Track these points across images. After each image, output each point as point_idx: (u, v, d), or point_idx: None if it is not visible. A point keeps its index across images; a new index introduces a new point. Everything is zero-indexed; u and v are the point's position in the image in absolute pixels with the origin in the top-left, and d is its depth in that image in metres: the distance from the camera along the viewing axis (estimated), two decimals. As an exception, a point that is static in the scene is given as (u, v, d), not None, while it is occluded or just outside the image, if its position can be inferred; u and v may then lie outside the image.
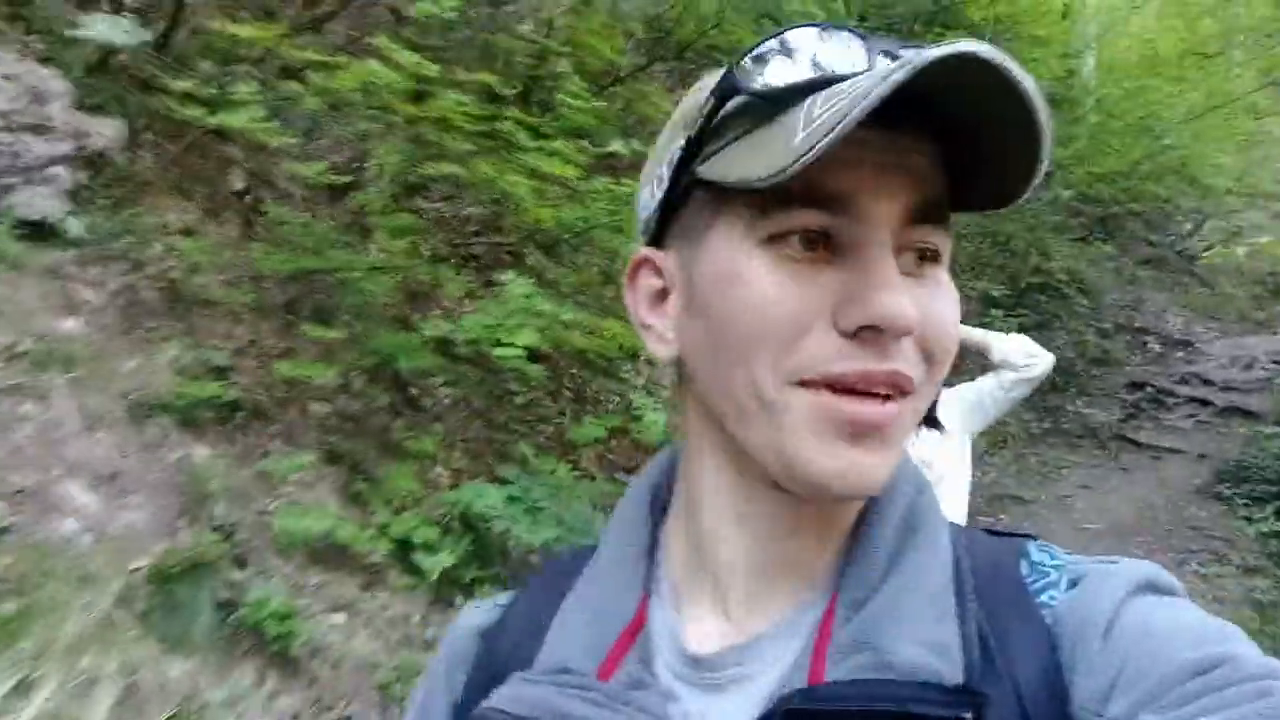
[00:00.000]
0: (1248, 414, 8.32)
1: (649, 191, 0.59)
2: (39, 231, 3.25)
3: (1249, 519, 6.36)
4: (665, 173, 0.57)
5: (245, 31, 2.49)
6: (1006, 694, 0.49)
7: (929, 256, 0.52)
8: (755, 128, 0.51)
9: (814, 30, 0.52)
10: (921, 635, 0.50)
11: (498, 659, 0.60)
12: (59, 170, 3.35)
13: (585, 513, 3.59)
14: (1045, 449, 8.52)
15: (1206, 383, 9.06)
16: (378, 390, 3.70)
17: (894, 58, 0.49)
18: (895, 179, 0.50)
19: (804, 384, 0.50)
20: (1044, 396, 8.47)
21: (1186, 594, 0.53)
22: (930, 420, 0.56)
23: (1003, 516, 6.66)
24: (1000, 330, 2.85)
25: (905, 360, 0.50)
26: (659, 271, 0.58)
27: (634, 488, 0.64)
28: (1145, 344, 9.93)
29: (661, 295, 0.58)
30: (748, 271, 0.51)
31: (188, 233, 3.62)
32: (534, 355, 3.46)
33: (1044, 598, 0.53)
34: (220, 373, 3.33)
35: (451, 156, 3.20)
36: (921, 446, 2.22)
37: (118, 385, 2.99)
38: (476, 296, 3.59)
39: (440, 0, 2.73)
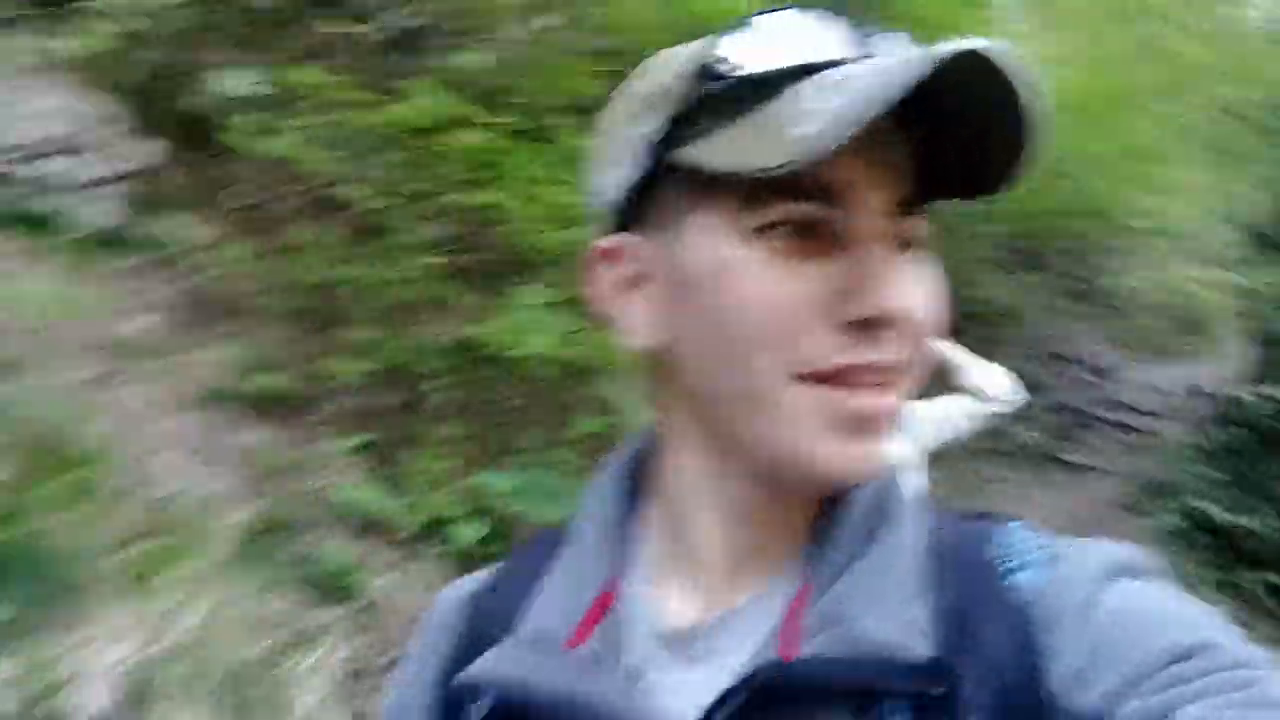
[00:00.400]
0: (1162, 437, 9.17)
1: (609, 175, 0.58)
2: (104, 240, 3.66)
3: (1160, 527, 7.10)
4: (629, 156, 0.56)
5: (309, 77, 2.94)
6: (979, 672, 0.49)
7: (914, 245, 0.53)
8: (739, 114, 0.51)
9: (792, 14, 0.51)
10: (891, 613, 0.50)
11: (483, 626, 0.61)
12: (117, 186, 3.77)
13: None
14: (983, 464, 9.25)
15: (1125, 407, 9.91)
16: (400, 387, 4.15)
17: (867, 40, 0.51)
18: (886, 170, 0.51)
19: (803, 378, 0.50)
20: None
21: (1166, 573, 0.53)
22: None
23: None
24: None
25: (899, 349, 0.51)
26: (627, 259, 0.57)
27: (610, 465, 0.64)
28: (1068, 371, 10.77)
29: (631, 283, 0.57)
30: (739, 265, 0.51)
31: (224, 243, 4.05)
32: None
33: (1019, 578, 0.53)
34: (264, 369, 3.76)
35: (477, 185, 3.71)
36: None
37: (184, 376, 3.40)
38: (489, 307, 4.07)
39: (477, 50, 3.25)
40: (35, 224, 3.12)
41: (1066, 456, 9.01)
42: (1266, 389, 6.09)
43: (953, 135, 0.51)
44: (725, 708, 0.50)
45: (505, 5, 4.73)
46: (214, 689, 2.21)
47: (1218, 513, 5.68)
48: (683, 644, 0.55)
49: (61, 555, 2.27)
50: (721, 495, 0.57)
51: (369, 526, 3.48)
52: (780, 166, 0.46)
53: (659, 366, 0.57)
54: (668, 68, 0.55)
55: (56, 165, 3.41)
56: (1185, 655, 0.45)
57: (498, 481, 3.82)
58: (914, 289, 0.52)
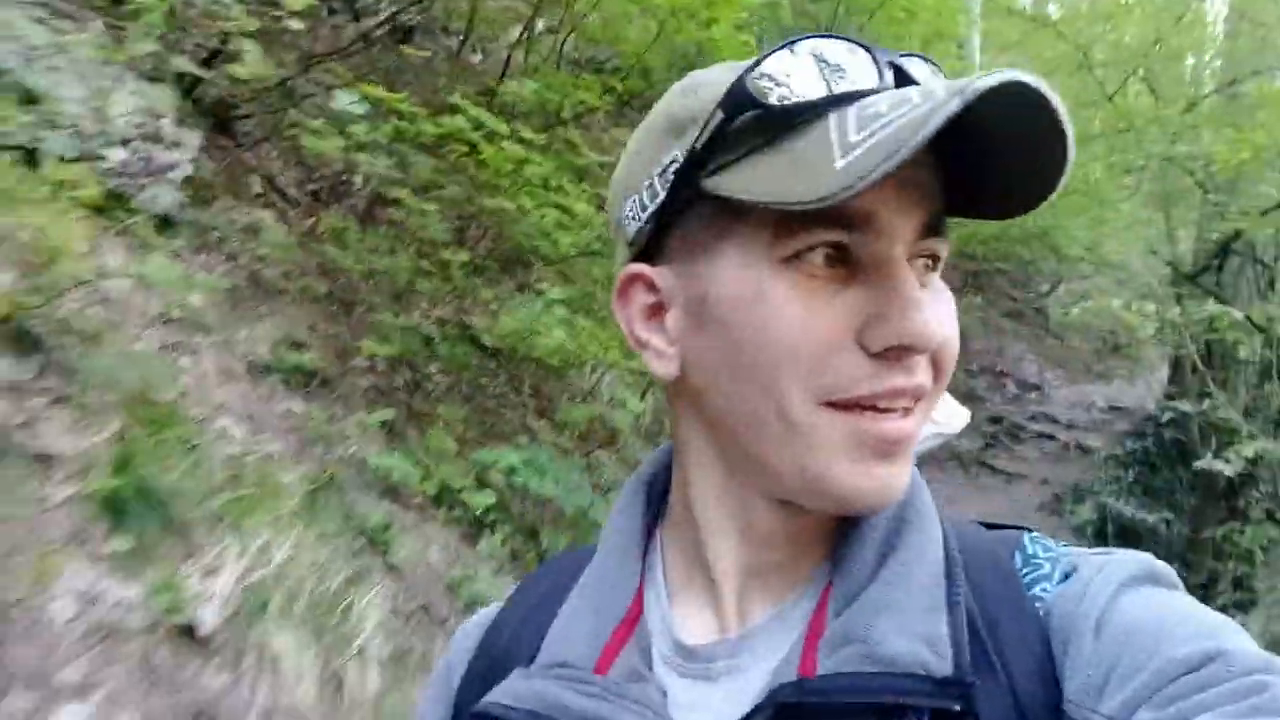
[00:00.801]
0: (1084, 448, 9.97)
1: (634, 201, 0.58)
2: (164, 224, 4.05)
3: (1078, 530, 7.86)
4: (658, 183, 0.56)
5: (372, 91, 3.38)
6: (999, 686, 0.50)
7: (932, 265, 0.55)
8: (773, 143, 0.51)
9: (821, 41, 0.51)
10: (911, 627, 0.51)
11: (497, 656, 0.62)
12: (174, 174, 4.15)
13: (575, 477, 4.59)
14: (918, 470, 10.00)
15: (1053, 421, 10.71)
16: (413, 370, 4.60)
17: (897, 69, 0.52)
18: (913, 194, 0.52)
19: (832, 405, 0.51)
20: (920, 425, 9.97)
21: (1179, 584, 0.54)
22: None
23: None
24: None
25: (923, 372, 0.53)
26: (653, 287, 0.58)
27: (629, 488, 0.65)
28: (1004, 386, 11.54)
29: (656, 310, 0.58)
30: (771, 292, 0.52)
31: (264, 230, 4.46)
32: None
33: (1037, 590, 0.54)
34: (298, 346, 4.18)
35: (502, 192, 4.19)
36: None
37: (236, 349, 3.82)
38: (503, 300, 4.55)
39: (526, 83, 3.72)
40: (108, 207, 3.51)
41: (997, 464, 9.77)
42: (1174, 406, 6.85)
43: (980, 160, 0.51)
44: None
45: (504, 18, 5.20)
46: (299, 613, 2.68)
47: (1127, 511, 6.41)
48: (704, 662, 0.56)
49: (166, 498, 2.71)
50: (740, 518, 0.57)
51: (388, 491, 3.94)
52: (824, 199, 0.47)
53: (681, 391, 0.58)
54: (697, 93, 0.55)
55: (123, 153, 3.78)
56: (1199, 664, 0.45)
57: (498, 457, 4.30)
58: (941, 313, 0.53)
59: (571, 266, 4.84)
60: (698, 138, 0.54)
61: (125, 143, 3.73)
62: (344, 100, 3.17)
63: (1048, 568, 0.55)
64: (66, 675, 2.24)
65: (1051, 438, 10.39)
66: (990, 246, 11.10)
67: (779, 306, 0.51)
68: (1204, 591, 5.14)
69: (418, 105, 3.64)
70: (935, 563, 0.54)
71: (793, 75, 0.51)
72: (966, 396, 11.34)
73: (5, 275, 2.82)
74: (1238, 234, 6.43)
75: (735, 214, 0.52)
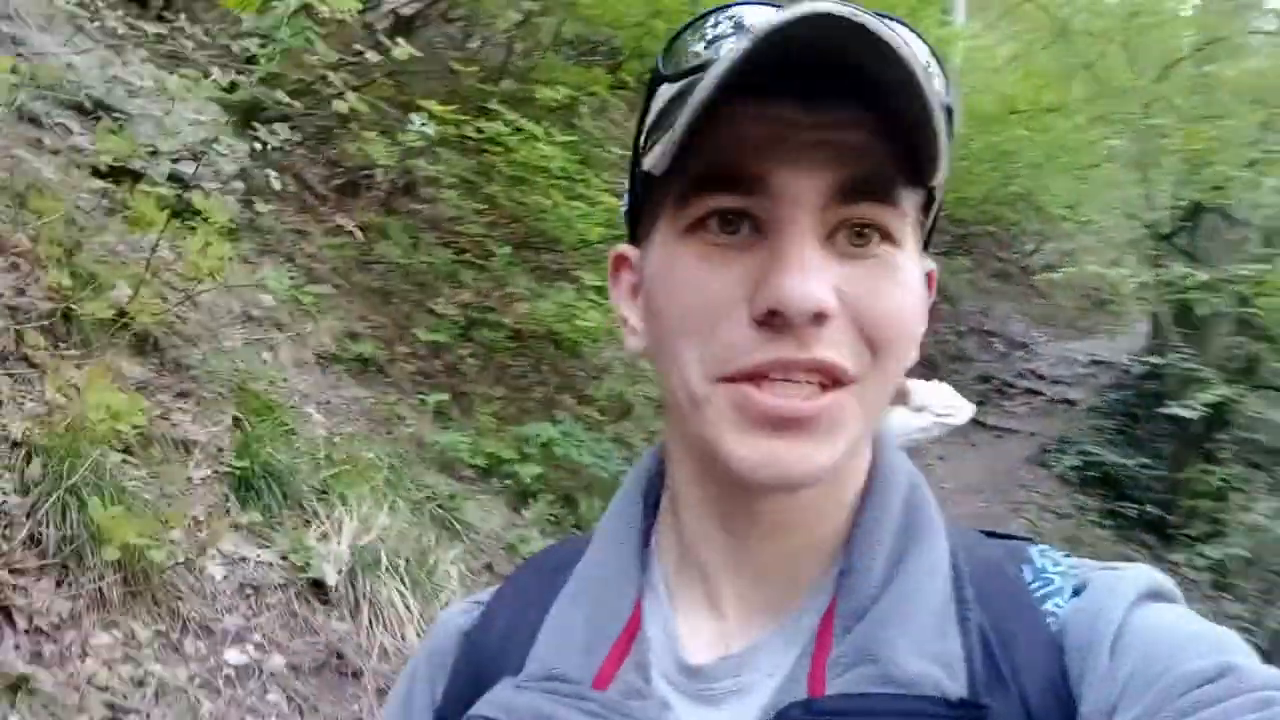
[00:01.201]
0: (1070, 402, 10.53)
1: (627, 185, 0.60)
2: (228, 229, 4.47)
3: (1063, 478, 8.42)
4: (631, 167, 0.58)
5: (435, 108, 3.82)
6: (1012, 704, 0.49)
7: (872, 235, 0.51)
8: (675, 113, 0.50)
9: (738, 7, 0.50)
10: (924, 646, 0.50)
11: (483, 662, 0.60)
12: (238, 182, 4.57)
13: (605, 447, 5.07)
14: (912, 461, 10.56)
15: (1039, 377, 11.26)
16: (456, 355, 5.06)
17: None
18: (819, 155, 0.49)
19: (725, 379, 0.50)
20: (914, 384, 10.55)
21: (1183, 599, 0.54)
22: None
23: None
24: None
25: (832, 346, 0.49)
26: (633, 267, 0.59)
27: (626, 484, 0.64)
28: (993, 345, 12.07)
29: (636, 290, 0.59)
30: (675, 262, 0.52)
31: (318, 234, 4.89)
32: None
33: (1049, 605, 0.53)
34: (354, 337, 4.64)
35: (532, 186, 4.63)
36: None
37: (307, 343, 4.27)
38: (539, 290, 5.01)
39: (558, 89, 4.14)
40: (183, 215, 3.93)
41: (987, 420, 10.31)
42: (1148, 360, 7.40)
43: (885, 116, 0.48)
44: None
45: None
46: (400, 570, 3.16)
47: (1108, 457, 6.98)
48: (706, 681, 0.54)
49: (282, 475, 3.18)
50: (713, 503, 0.56)
51: (445, 466, 4.42)
52: (661, 162, 0.50)
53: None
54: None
55: (191, 166, 4.20)
56: (1208, 679, 0.45)
57: (539, 431, 4.77)
58: (854, 280, 0.49)
59: (601, 253, 5.29)
60: (642, 115, 0.56)
61: (196, 157, 4.13)
62: (417, 122, 3.57)
63: (1058, 582, 0.54)
64: (227, 623, 2.72)
65: (1039, 393, 10.93)
66: (977, 210, 11.56)
67: (679, 275, 0.51)
68: (1180, 529, 5.69)
69: (435, 98, 4.04)
70: (944, 578, 0.53)
71: (696, 42, 0.52)
72: (956, 357, 11.88)
73: (123, 289, 3.25)
74: (1207, 199, 6.92)
75: (661, 189, 0.53)
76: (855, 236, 0.50)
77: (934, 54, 0.53)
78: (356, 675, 2.87)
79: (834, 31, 0.44)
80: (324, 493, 3.26)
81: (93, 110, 3.60)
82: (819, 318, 0.48)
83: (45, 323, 2.87)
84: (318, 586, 2.98)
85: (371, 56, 3.30)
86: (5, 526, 2.36)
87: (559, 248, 4.92)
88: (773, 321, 0.48)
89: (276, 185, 3.44)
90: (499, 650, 0.59)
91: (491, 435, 4.82)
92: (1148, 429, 7.10)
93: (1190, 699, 0.45)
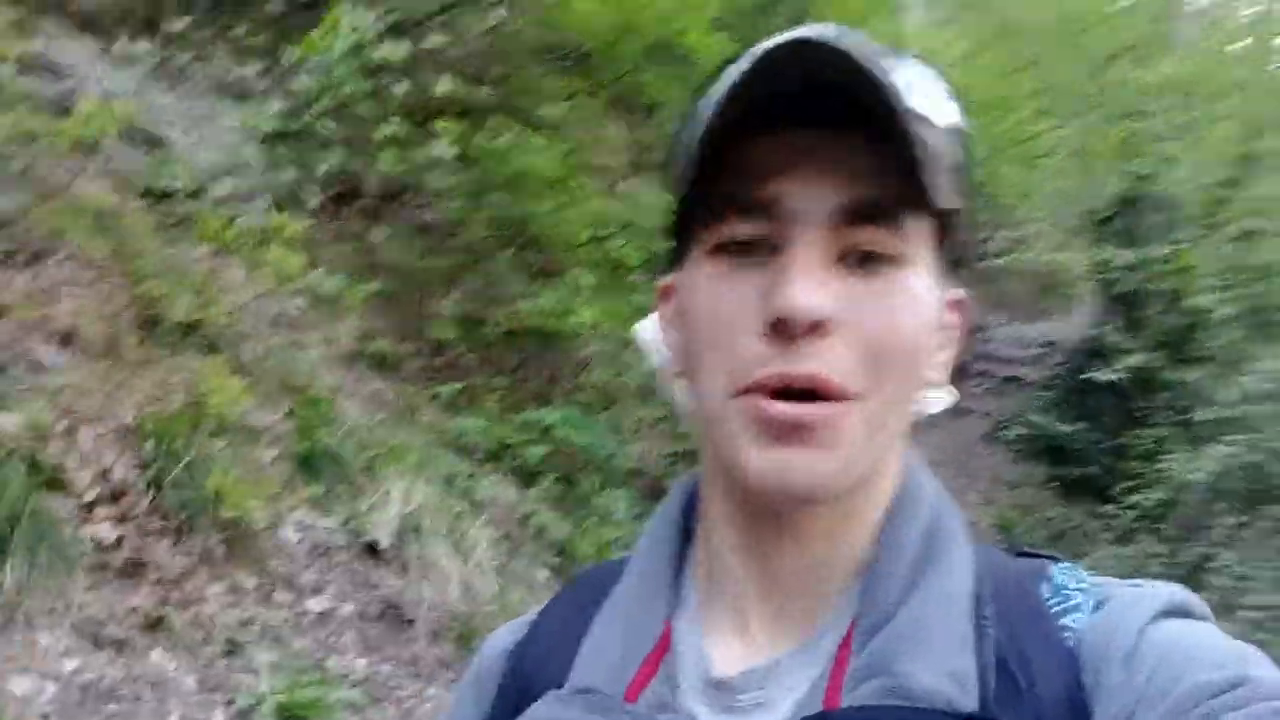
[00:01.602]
0: (1022, 381, 11.30)
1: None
2: (260, 239, 4.98)
3: (1015, 451, 9.14)
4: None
5: (447, 126, 4.35)
6: (1027, 718, 0.50)
7: (879, 258, 0.53)
8: (691, 147, 0.54)
9: (770, 41, 0.51)
10: (938, 661, 0.51)
11: (529, 675, 0.63)
12: (264, 198, 5.08)
13: (599, 429, 5.65)
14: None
15: (994, 359, 12.03)
16: (461, 349, 5.61)
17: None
18: (826, 179, 0.52)
19: (741, 393, 0.53)
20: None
21: (1210, 615, 0.54)
22: None
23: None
24: None
25: (830, 362, 0.51)
26: (674, 295, 0.62)
27: (664, 506, 0.66)
28: (951, 328, 12.83)
29: (675, 318, 0.61)
30: (696, 284, 0.55)
31: (336, 241, 5.41)
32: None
33: (1067, 620, 0.54)
34: (372, 337, 5.17)
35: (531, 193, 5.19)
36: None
37: (334, 342, 4.80)
38: (536, 289, 5.57)
39: (558, 105, 4.71)
40: (219, 227, 4.44)
41: (945, 401, 11.02)
42: (1092, 335, 8.16)
43: (882, 141, 0.50)
44: None
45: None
46: (440, 536, 3.72)
47: (1050, 426, 7.72)
48: (730, 693, 0.56)
49: (335, 456, 3.73)
50: (740, 521, 0.58)
51: (459, 449, 4.97)
52: (678, 190, 0.55)
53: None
54: None
55: (225, 184, 4.70)
56: (1226, 689, 0.46)
57: (542, 416, 5.34)
58: (857, 298, 0.52)
59: (592, 251, 5.84)
60: (675, 150, 0.58)
61: (228, 172, 4.63)
62: (441, 149, 4.13)
63: (1079, 599, 0.55)
64: (305, 579, 3.27)
65: (993, 374, 11.68)
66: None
67: (701, 295, 0.55)
68: (1114, 486, 6.41)
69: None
70: (964, 593, 0.54)
71: (727, 74, 0.53)
72: (917, 340, 12.63)
73: (187, 298, 3.77)
74: (1135, 187, 7.66)
75: (690, 217, 0.57)
76: (863, 259, 0.52)
77: (942, 79, 0.55)
78: (410, 622, 3.44)
79: (816, 57, 0.48)
80: (369, 470, 3.81)
81: (148, 138, 4.09)
82: (818, 327, 0.50)
83: (135, 325, 3.38)
84: (372, 549, 3.54)
85: (398, 89, 3.83)
86: (134, 496, 2.89)
87: (549, 250, 5.48)
88: (778, 333, 0.51)
89: (314, 203, 3.95)
90: (544, 665, 0.62)
91: (497, 422, 5.38)
92: (1090, 400, 7.82)
93: (1204, 709, 0.46)
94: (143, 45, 4.01)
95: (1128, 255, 6.73)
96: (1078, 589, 0.56)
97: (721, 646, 0.59)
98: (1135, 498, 5.73)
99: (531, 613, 0.69)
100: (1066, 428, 7.49)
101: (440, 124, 4.27)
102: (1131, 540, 5.75)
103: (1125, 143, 7.18)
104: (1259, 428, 4.91)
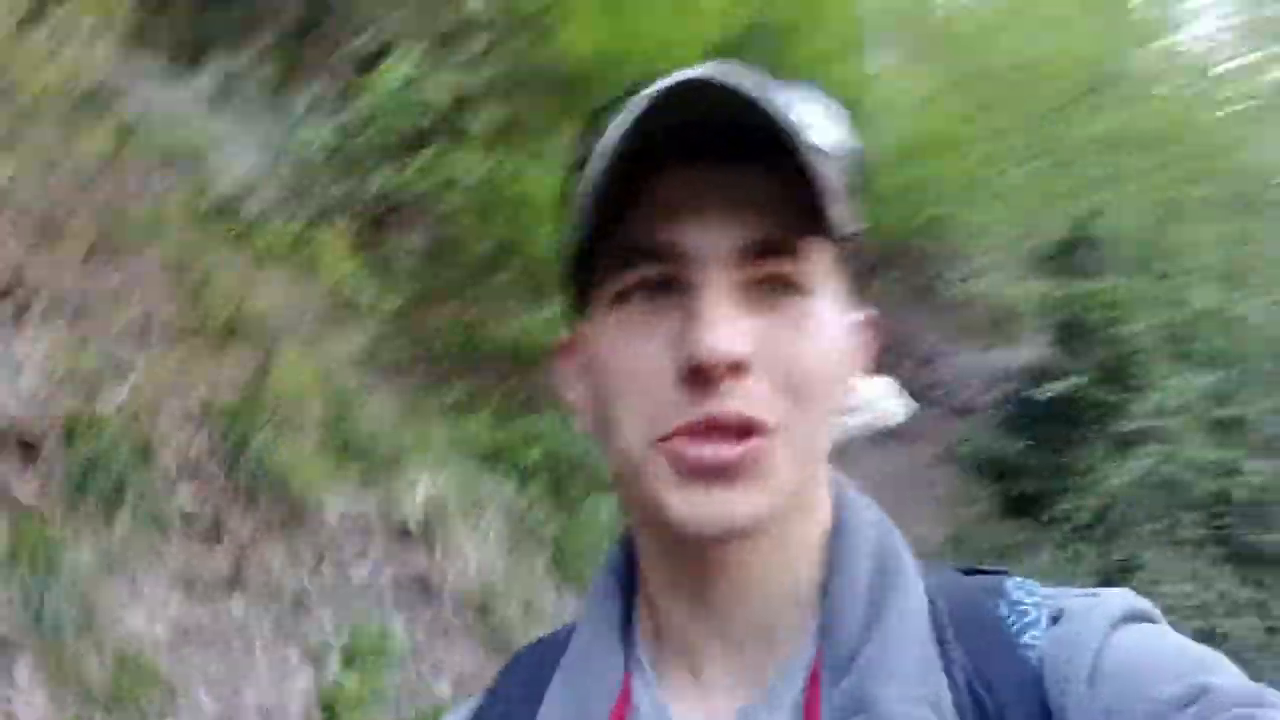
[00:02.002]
0: (974, 410, 12.04)
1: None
2: (293, 250, 5.46)
3: (965, 472, 9.82)
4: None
5: (469, 159, 4.90)
6: None
7: (783, 288, 0.54)
8: (582, 195, 0.55)
9: (666, 79, 0.51)
10: (914, 690, 0.51)
11: None
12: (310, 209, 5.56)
13: (583, 437, 6.20)
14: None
15: (949, 385, 12.77)
16: (463, 360, 6.13)
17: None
18: (727, 215, 0.53)
19: (661, 439, 0.53)
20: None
21: (1161, 617, 0.56)
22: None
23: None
24: None
25: (749, 401, 0.52)
26: (576, 349, 0.62)
27: (602, 568, 0.66)
28: (903, 360, 13.57)
29: (581, 371, 0.61)
30: (602, 335, 0.56)
31: (350, 258, 5.91)
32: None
33: (1026, 638, 0.55)
34: (380, 347, 5.67)
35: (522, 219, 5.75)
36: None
37: (339, 352, 5.28)
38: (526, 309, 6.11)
39: (561, 135, 5.30)
40: (258, 238, 4.94)
41: (898, 427, 11.74)
42: (1041, 363, 8.93)
43: (777, 172, 0.51)
44: None
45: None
46: (461, 517, 4.23)
47: (999, 446, 8.45)
48: None
49: (369, 444, 4.23)
50: (670, 570, 0.59)
51: (466, 450, 5.48)
52: (572, 241, 0.56)
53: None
54: None
55: (258, 201, 5.19)
56: (1188, 700, 0.47)
57: (534, 423, 5.87)
58: (771, 332, 0.53)
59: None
60: (570, 196, 0.58)
61: (283, 187, 5.12)
62: (466, 172, 4.69)
63: (1034, 614, 0.56)
64: (348, 551, 3.77)
65: (946, 402, 12.41)
66: (894, 233, 13.01)
67: (609, 345, 0.55)
68: (1056, 499, 7.11)
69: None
70: (923, 620, 0.55)
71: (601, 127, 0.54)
72: (873, 369, 13.30)
73: (238, 299, 4.25)
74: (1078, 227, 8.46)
75: (588, 267, 0.57)
76: (768, 291, 0.54)
77: (836, 106, 0.56)
78: (438, 594, 3.94)
79: (710, 96, 0.49)
80: (396, 461, 4.32)
81: (211, 156, 4.59)
82: (736, 368, 0.51)
83: (198, 323, 3.88)
84: (403, 529, 4.04)
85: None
86: (209, 472, 3.38)
87: (547, 269, 6.03)
88: (696, 379, 0.51)
89: (348, 219, 4.48)
90: None
91: (496, 427, 5.90)
92: (1033, 422, 8.55)
93: None
94: (212, 71, 4.52)
95: (1068, 289, 7.50)
96: (1031, 604, 0.57)
97: (681, 702, 0.58)
98: (1070, 505, 6.42)
99: (472, 701, 0.68)
100: (1012, 448, 8.20)
101: (463, 152, 4.82)
102: (1068, 546, 6.44)
103: (1067, 188, 7.95)
104: (1173, 440, 5.60)
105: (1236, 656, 0.52)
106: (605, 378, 0.56)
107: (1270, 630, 5.30)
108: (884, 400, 3.83)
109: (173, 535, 3.12)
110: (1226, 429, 6.18)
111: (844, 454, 0.63)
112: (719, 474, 0.52)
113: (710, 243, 0.53)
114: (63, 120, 3.90)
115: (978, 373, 13.21)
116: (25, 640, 2.53)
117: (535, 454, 5.59)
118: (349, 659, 3.14)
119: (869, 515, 0.61)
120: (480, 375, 6.31)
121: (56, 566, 2.68)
